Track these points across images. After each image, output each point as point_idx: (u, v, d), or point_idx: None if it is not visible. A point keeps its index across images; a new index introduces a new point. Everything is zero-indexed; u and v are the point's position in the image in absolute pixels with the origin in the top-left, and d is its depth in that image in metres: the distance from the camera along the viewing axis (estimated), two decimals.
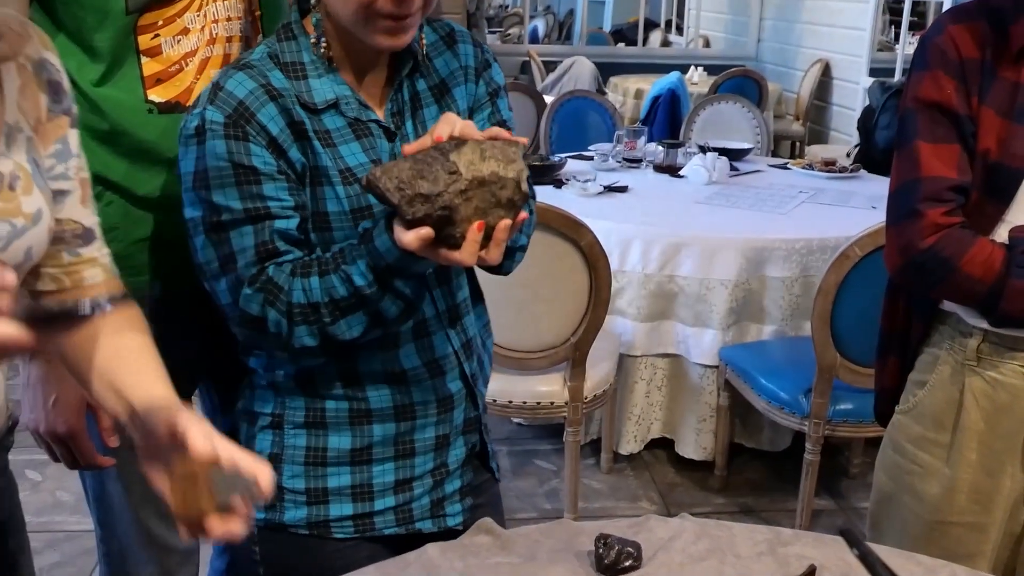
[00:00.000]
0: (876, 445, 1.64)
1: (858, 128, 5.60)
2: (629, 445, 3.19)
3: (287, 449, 1.32)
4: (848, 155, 5.24)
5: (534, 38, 9.29)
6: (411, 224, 1.08)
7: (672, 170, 3.79)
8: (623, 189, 3.50)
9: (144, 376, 1.06)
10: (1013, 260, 1.34)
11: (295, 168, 1.21)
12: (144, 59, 1.39)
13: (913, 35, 6.12)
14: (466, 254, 1.10)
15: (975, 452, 1.46)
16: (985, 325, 1.42)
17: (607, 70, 7.12)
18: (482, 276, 1.42)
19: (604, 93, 6.50)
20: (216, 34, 1.45)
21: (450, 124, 1.14)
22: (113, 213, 1.43)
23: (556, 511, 2.95)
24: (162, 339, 1.56)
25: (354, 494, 1.33)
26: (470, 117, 1.34)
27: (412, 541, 1.30)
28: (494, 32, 9.71)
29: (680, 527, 1.29)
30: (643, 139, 4.05)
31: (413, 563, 1.21)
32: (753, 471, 3.26)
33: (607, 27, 10.36)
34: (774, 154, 6.06)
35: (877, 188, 3.61)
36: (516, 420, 3.40)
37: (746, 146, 4.25)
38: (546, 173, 3.61)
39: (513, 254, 1.36)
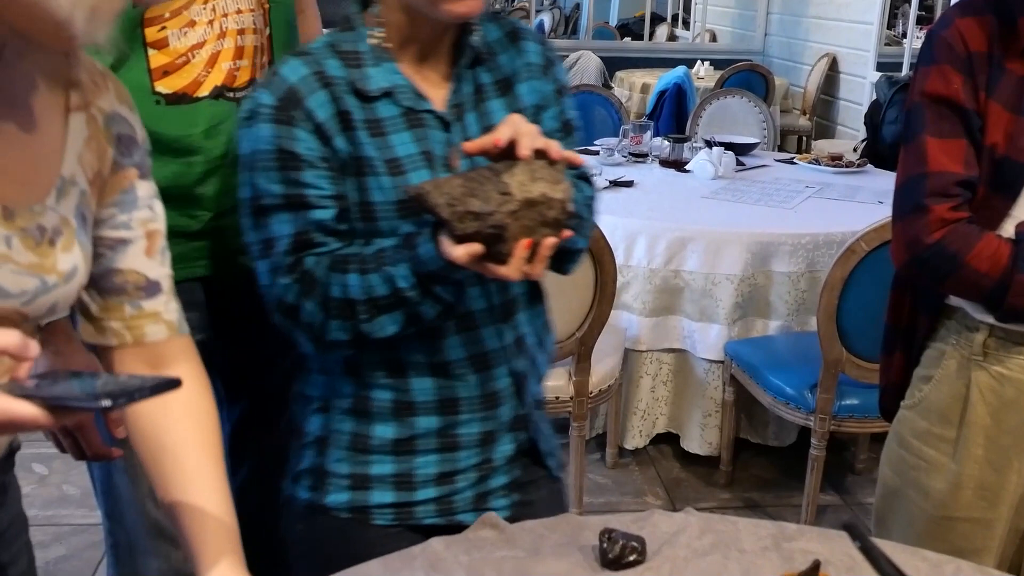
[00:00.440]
0: (882, 441, 1.64)
1: (865, 123, 5.59)
2: (634, 440, 3.19)
3: (333, 433, 1.34)
4: (855, 150, 5.22)
5: (540, 32, 9.27)
6: (460, 239, 1.11)
7: (678, 165, 3.79)
8: (629, 184, 3.49)
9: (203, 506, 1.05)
10: (1020, 255, 1.33)
11: (339, 156, 1.22)
12: (151, 51, 1.39)
13: (920, 29, 6.10)
14: (512, 269, 1.12)
15: (981, 447, 1.46)
16: (991, 320, 1.41)
17: (613, 64, 7.11)
18: None
19: (610, 87, 6.49)
20: (226, 28, 1.46)
21: (512, 127, 1.15)
22: None
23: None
24: None
25: (396, 483, 1.34)
26: (537, 115, 1.34)
27: (453, 532, 1.29)
28: None
29: (684, 521, 1.29)
30: (649, 134, 4.04)
31: (418, 556, 1.21)
32: (758, 466, 3.26)
33: (613, 21, 10.34)
34: (781, 149, 6.05)
35: (884, 183, 3.60)
36: None
37: (752, 141, 4.24)
38: None
39: (573, 257, 1.38)
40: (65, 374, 0.93)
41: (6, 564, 1.17)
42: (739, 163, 3.84)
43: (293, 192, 1.21)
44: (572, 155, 1.17)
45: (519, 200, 1.09)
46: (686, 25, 10.00)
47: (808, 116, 6.88)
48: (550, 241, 1.13)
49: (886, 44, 6.54)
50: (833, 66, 6.84)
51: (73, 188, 0.99)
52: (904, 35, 6.46)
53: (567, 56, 6.76)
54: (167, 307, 1.10)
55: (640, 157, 3.93)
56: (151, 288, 1.09)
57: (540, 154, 1.14)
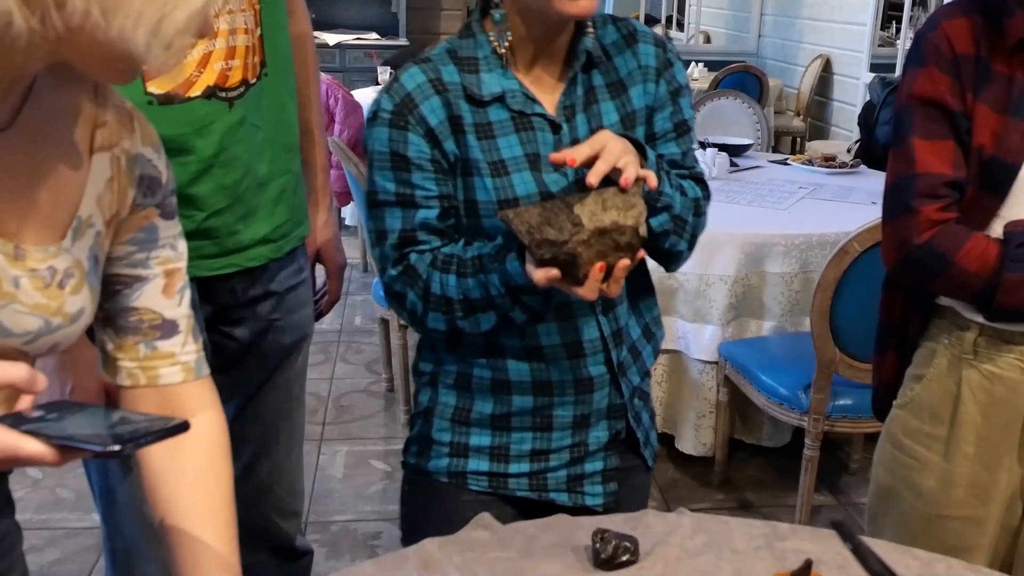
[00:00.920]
0: (876, 441, 1.64)
1: (859, 124, 5.61)
2: None
3: (439, 406, 1.45)
4: (849, 150, 5.24)
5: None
6: (540, 263, 1.19)
7: None
8: None
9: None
10: (1008, 254, 1.34)
11: (448, 158, 1.32)
12: None
13: (914, 30, 6.11)
14: (588, 290, 1.19)
15: (972, 446, 1.47)
16: (981, 319, 1.42)
17: None
18: None
19: None
20: (218, 28, 1.46)
21: (591, 148, 1.20)
22: None
23: None
24: None
25: (492, 454, 1.44)
26: (650, 117, 1.39)
27: (546, 509, 1.39)
28: None
29: (677, 522, 1.29)
30: None
31: (411, 557, 1.22)
32: (753, 467, 3.27)
33: None
34: (775, 150, 6.07)
35: (877, 184, 3.61)
36: None
37: (746, 142, 4.25)
38: None
39: (676, 257, 1.44)
40: (70, 407, 0.90)
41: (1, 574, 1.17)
42: (733, 164, 3.84)
43: (403, 191, 1.32)
44: (647, 175, 1.22)
45: (590, 230, 1.17)
46: (680, 27, 10.01)
47: (802, 117, 6.90)
48: (623, 263, 1.20)
49: (879, 45, 6.56)
50: (827, 67, 6.86)
51: (89, 229, 0.98)
52: (898, 34, 6.48)
53: None
54: (184, 349, 1.08)
55: None
56: (167, 328, 1.07)
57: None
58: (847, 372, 2.59)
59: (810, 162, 4.00)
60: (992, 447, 1.46)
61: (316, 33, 8.26)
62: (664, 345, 3.07)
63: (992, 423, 1.45)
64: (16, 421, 0.81)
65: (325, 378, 3.95)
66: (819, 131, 7.01)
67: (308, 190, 1.82)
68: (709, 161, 3.65)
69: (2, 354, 0.91)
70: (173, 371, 1.07)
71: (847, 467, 3.27)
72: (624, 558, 1.18)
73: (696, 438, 3.15)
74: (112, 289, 1.04)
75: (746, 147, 4.17)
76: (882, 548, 1.25)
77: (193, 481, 1.07)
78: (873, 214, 2.50)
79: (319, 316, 1.92)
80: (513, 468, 1.44)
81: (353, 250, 5.19)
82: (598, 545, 1.19)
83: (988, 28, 1.36)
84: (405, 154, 1.30)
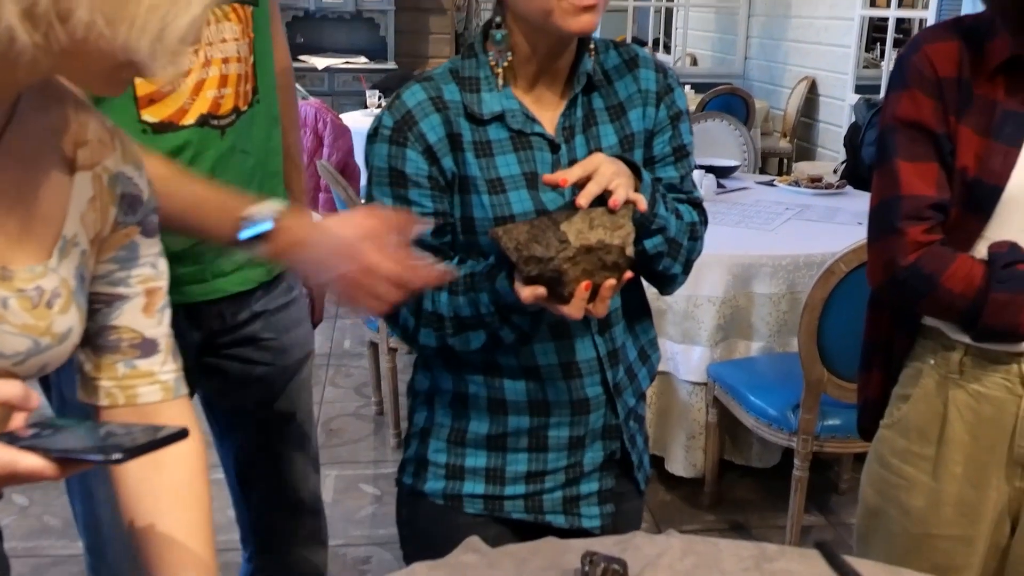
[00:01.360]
0: (865, 461, 1.64)
1: (844, 144, 5.65)
2: None
3: (435, 426, 1.46)
4: (836, 171, 5.27)
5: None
6: (526, 280, 1.20)
7: None
8: None
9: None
10: (993, 275, 1.35)
11: (445, 175, 1.33)
12: (137, 79, 1.40)
13: (898, 52, 6.17)
14: (573, 309, 1.20)
15: (960, 465, 1.47)
16: (967, 339, 1.43)
17: None
18: None
19: None
20: (211, 56, 1.47)
21: (583, 169, 1.21)
22: None
23: None
24: None
25: (487, 476, 1.44)
26: (649, 140, 1.41)
27: (542, 531, 1.38)
28: None
29: (667, 544, 1.29)
30: None
31: None
32: (743, 488, 3.27)
33: None
34: (762, 171, 6.09)
35: (863, 204, 3.60)
36: None
37: (733, 163, 4.27)
38: None
39: (671, 280, 1.43)
40: (62, 422, 0.90)
41: None
42: (720, 186, 3.86)
43: (399, 207, 1.33)
44: (637, 199, 1.22)
45: (576, 247, 1.18)
46: (667, 49, 10.09)
47: (789, 138, 6.94)
48: (610, 283, 1.21)
49: (864, 67, 6.62)
50: (812, 89, 6.91)
51: (74, 249, 0.98)
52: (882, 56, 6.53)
53: None
54: (163, 368, 1.08)
55: None
56: (147, 347, 1.06)
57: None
58: (835, 392, 2.60)
59: (796, 183, 4.02)
60: (980, 466, 1.47)
61: (305, 57, 8.26)
62: None
63: (979, 442, 1.46)
64: (11, 439, 0.81)
65: (314, 402, 3.93)
66: (806, 152, 7.05)
67: None
68: (696, 182, 3.66)
69: None
70: (152, 390, 1.07)
71: (837, 487, 3.27)
72: None
73: (686, 459, 3.15)
74: (92, 308, 1.04)
75: (733, 169, 4.20)
76: (871, 568, 1.25)
77: (173, 500, 1.07)
78: (859, 234, 2.51)
79: None
80: (509, 490, 1.44)
81: None
82: (587, 568, 1.19)
83: (970, 51, 1.38)
84: (403, 170, 1.32)
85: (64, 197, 0.97)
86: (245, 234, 1.25)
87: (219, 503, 1.85)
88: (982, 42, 1.37)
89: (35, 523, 2.95)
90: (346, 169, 4.87)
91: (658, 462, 3.24)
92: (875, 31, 6.80)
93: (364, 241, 1.21)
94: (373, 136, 1.35)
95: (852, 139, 5.41)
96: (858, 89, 6.31)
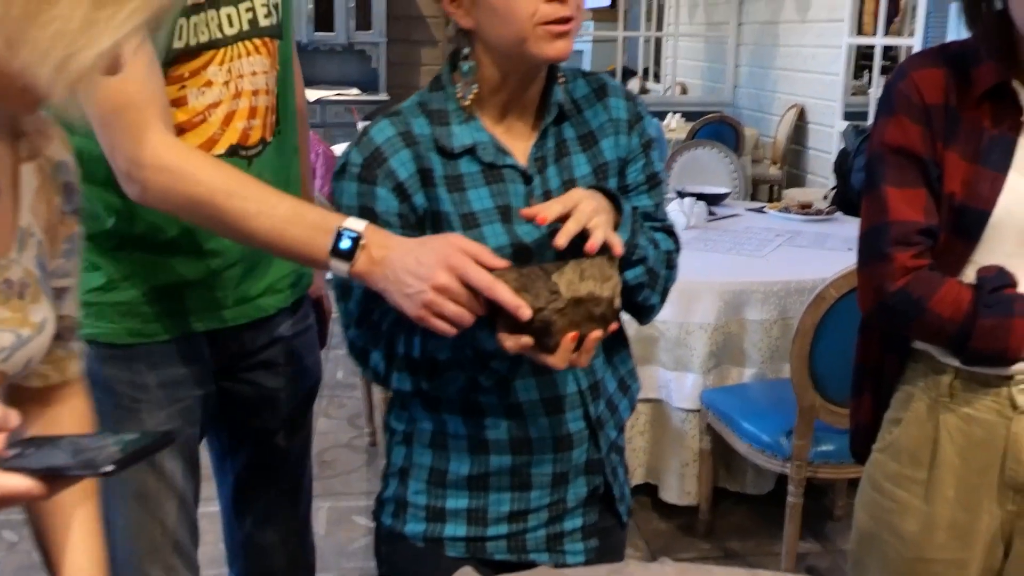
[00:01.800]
0: None
1: (834, 171, 5.68)
2: None
3: (414, 467, 1.42)
4: (825, 197, 5.30)
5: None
6: (512, 329, 1.16)
7: None
8: None
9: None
10: (981, 300, 1.36)
11: (416, 212, 1.30)
12: (171, 109, 1.42)
13: (885, 79, 6.22)
14: (558, 359, 1.18)
15: (952, 488, 1.47)
16: (957, 363, 1.43)
17: None
18: None
19: None
20: (241, 88, 1.50)
21: (563, 205, 1.20)
22: (132, 263, 1.46)
23: None
24: (174, 384, 1.58)
25: (469, 517, 1.40)
26: (622, 169, 1.40)
27: (526, 570, 1.34)
28: None
29: (660, 572, 1.29)
30: None
31: None
32: (738, 515, 3.26)
33: None
34: (753, 198, 6.13)
35: (852, 230, 3.61)
36: None
37: (723, 191, 4.29)
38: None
39: (648, 311, 1.42)
40: (42, 439, 0.89)
41: None
42: (711, 213, 3.88)
43: None
44: (613, 243, 1.20)
45: (567, 299, 1.16)
46: (657, 78, 10.15)
47: (779, 165, 6.98)
48: (595, 334, 1.19)
49: (852, 94, 6.66)
50: (801, 116, 6.96)
51: (31, 239, 0.99)
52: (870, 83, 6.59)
53: None
54: (79, 343, 1.12)
55: None
56: (77, 327, 1.11)
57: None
58: (828, 417, 2.60)
59: (787, 210, 4.04)
60: (972, 489, 1.47)
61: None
62: (646, 394, 3.10)
63: (970, 465, 1.46)
64: None
65: None
66: (796, 179, 7.08)
67: None
68: (687, 210, 3.68)
69: None
70: (77, 365, 1.11)
71: (832, 513, 3.26)
72: None
73: (680, 487, 3.14)
74: None
75: (723, 196, 4.22)
76: None
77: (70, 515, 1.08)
78: (849, 260, 2.52)
79: None
80: (492, 531, 1.40)
81: (334, 303, 5.17)
82: None
83: (956, 78, 1.39)
84: (373, 208, 1.28)
85: (14, 190, 0.98)
86: (344, 244, 1.22)
87: (212, 536, 1.85)
88: (968, 69, 1.39)
89: (25, 559, 2.92)
90: None
91: (652, 490, 3.23)
92: (862, 58, 6.85)
93: (438, 264, 1.18)
94: (341, 173, 1.30)
95: (841, 165, 5.44)
96: (847, 116, 6.35)
